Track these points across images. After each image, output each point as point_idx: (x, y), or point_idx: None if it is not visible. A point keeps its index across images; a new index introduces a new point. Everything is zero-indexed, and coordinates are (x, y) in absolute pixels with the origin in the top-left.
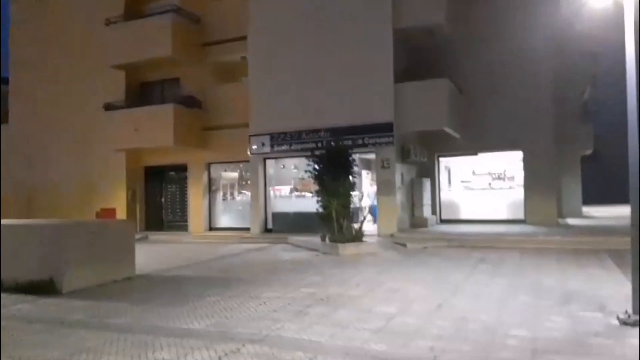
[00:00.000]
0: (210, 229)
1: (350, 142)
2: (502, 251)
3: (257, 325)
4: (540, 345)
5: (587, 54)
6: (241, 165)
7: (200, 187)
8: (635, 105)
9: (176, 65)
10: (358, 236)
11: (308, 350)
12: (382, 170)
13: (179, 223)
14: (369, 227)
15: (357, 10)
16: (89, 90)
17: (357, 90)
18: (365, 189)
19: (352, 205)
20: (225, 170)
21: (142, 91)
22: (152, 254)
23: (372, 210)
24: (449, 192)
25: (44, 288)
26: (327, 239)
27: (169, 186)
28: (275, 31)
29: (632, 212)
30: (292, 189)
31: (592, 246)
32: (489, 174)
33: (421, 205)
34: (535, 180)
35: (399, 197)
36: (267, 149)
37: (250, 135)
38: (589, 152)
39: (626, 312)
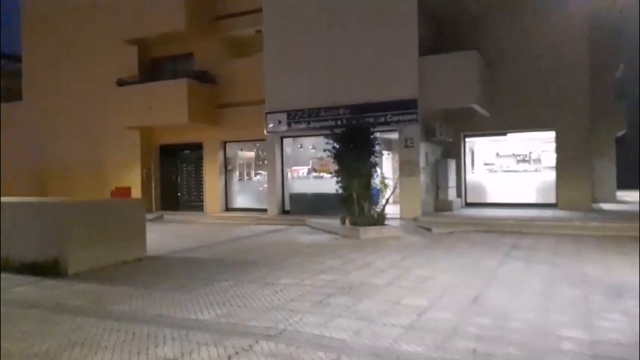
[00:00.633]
0: (227, 209)
1: (371, 120)
2: (535, 237)
3: (272, 317)
4: (602, 351)
5: (621, 30)
6: (257, 145)
7: (216, 166)
8: None
9: (190, 39)
10: (380, 219)
11: (330, 350)
12: (405, 150)
13: (195, 203)
14: (391, 209)
15: None
16: (102, 66)
17: (379, 65)
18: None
19: (373, 187)
20: (242, 150)
21: (155, 67)
22: (166, 234)
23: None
24: (474, 174)
25: (48, 269)
26: (347, 222)
27: (184, 165)
28: (291, 2)
29: None
30: (310, 169)
31: (634, 233)
32: (514, 155)
33: (446, 188)
34: (569, 162)
35: (423, 178)
36: (284, 127)
37: (266, 113)
38: (621, 133)
39: None
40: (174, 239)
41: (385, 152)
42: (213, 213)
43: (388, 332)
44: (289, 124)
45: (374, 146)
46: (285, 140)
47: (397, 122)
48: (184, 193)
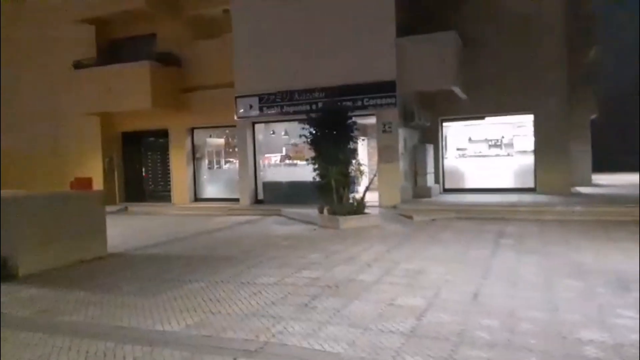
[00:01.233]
0: (196, 199)
1: (349, 104)
2: (519, 223)
3: (252, 326)
4: (631, 356)
5: (594, 15)
6: (227, 131)
7: (184, 154)
8: None
9: (152, 19)
10: (360, 208)
11: None
12: (383, 135)
13: (162, 193)
14: (368, 197)
15: None
16: (57, 48)
17: (356, 45)
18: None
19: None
20: (210, 136)
21: (114, 48)
22: (130, 227)
23: None
24: (450, 160)
25: None
26: (325, 211)
27: (149, 153)
28: None
29: None
30: (283, 156)
31: (616, 217)
32: (486, 140)
33: (424, 174)
34: (547, 146)
35: (402, 164)
36: (255, 111)
37: (236, 97)
38: (593, 116)
39: None
40: (138, 233)
41: (360, 138)
42: (181, 204)
43: (387, 342)
44: (260, 109)
45: (352, 131)
46: (257, 125)
47: (375, 105)
48: (150, 183)
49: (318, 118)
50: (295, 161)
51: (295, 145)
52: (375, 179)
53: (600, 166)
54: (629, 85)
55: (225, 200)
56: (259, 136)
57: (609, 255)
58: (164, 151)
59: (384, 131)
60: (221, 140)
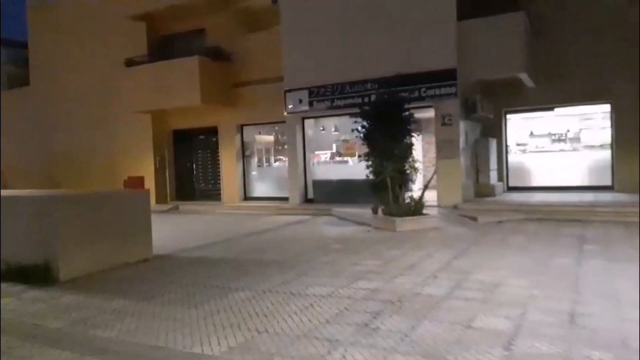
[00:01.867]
0: (245, 198)
1: (405, 95)
2: (600, 226)
3: (304, 352)
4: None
5: None
6: (277, 128)
7: (233, 152)
8: None
9: (201, 13)
10: (418, 208)
11: None
12: (442, 129)
13: (212, 192)
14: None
15: None
16: (109, 46)
17: (411, 32)
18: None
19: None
20: (260, 133)
21: (164, 44)
22: (180, 227)
23: None
24: (516, 155)
25: (38, 275)
26: (379, 211)
27: (199, 152)
28: None
29: None
30: (333, 153)
31: None
32: (550, 134)
33: (487, 171)
34: (628, 139)
35: (463, 160)
36: (305, 106)
37: (285, 91)
38: None
39: None
40: (187, 233)
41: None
42: (231, 203)
43: None
44: (310, 103)
45: (409, 124)
46: (306, 121)
47: (433, 96)
48: (200, 181)
49: (371, 110)
50: (346, 158)
51: (347, 141)
52: (434, 176)
53: None
54: None
55: (274, 199)
56: (309, 132)
57: None
58: (214, 149)
59: (444, 124)
60: (270, 137)
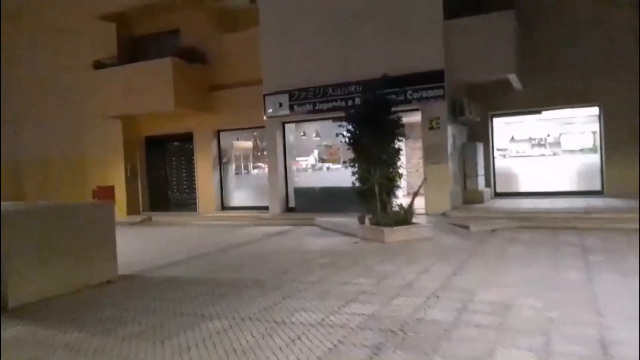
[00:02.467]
0: (223, 208)
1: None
2: (598, 234)
3: None
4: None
5: None
6: (255, 133)
7: (209, 159)
8: None
9: (174, 12)
10: (407, 217)
11: None
12: (430, 133)
13: (187, 201)
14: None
15: None
16: (77, 48)
17: (397, 32)
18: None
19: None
20: (238, 139)
21: (136, 47)
22: (152, 241)
23: None
24: (502, 160)
25: None
26: (366, 221)
27: (173, 159)
28: None
29: None
30: (316, 159)
31: None
32: (530, 139)
33: (475, 176)
34: (618, 142)
35: (451, 165)
36: (285, 110)
37: (264, 94)
38: None
39: None
40: (159, 247)
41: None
42: (207, 213)
43: None
44: (291, 107)
45: (397, 127)
46: (287, 126)
47: (420, 99)
48: (175, 191)
49: (357, 113)
50: (327, 164)
51: (329, 146)
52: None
53: None
54: None
55: (253, 208)
56: (290, 137)
57: None
58: (189, 156)
59: (431, 128)
60: (249, 143)
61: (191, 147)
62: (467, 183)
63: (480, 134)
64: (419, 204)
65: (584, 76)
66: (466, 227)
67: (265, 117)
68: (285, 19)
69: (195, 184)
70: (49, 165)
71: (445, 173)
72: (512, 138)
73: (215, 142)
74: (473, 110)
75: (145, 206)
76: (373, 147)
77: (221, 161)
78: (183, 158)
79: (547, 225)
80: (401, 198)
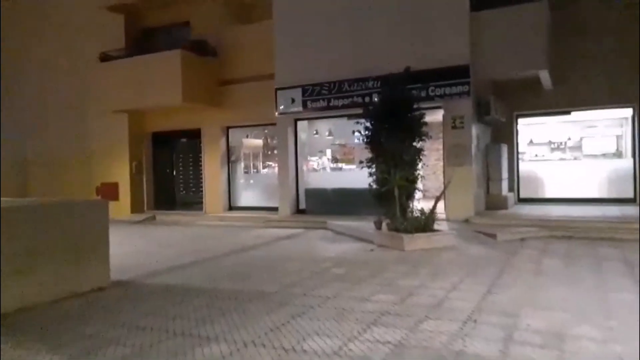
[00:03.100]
0: (230, 208)
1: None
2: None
3: None
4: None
5: None
6: (266, 131)
7: (217, 157)
8: None
9: (184, 3)
10: (428, 223)
11: None
12: (452, 132)
13: (193, 200)
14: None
15: None
16: (84, 41)
17: (418, 24)
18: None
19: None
20: (247, 136)
21: (145, 39)
22: (153, 241)
23: None
24: (526, 164)
25: None
26: (384, 226)
27: (181, 156)
28: None
29: None
30: (328, 159)
31: None
32: (549, 142)
33: (499, 180)
34: None
35: (475, 168)
36: (298, 106)
37: (276, 89)
38: None
39: None
40: (160, 249)
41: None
42: (214, 213)
43: None
44: (304, 103)
45: (420, 125)
46: (299, 123)
47: (443, 96)
48: (181, 189)
49: (376, 109)
50: (339, 165)
51: (344, 145)
52: (448, 186)
53: None
54: None
55: (262, 209)
56: (302, 135)
57: None
58: (197, 153)
59: (454, 127)
60: (259, 141)
61: (199, 143)
62: (490, 187)
63: (504, 135)
64: (439, 208)
65: (617, 75)
66: (493, 236)
67: (276, 114)
68: (300, 10)
69: (202, 183)
70: (53, 162)
71: (468, 176)
72: (531, 141)
73: (224, 139)
74: (499, 110)
75: (150, 204)
76: (393, 146)
77: (230, 159)
78: (190, 155)
79: (580, 235)
80: (417, 202)
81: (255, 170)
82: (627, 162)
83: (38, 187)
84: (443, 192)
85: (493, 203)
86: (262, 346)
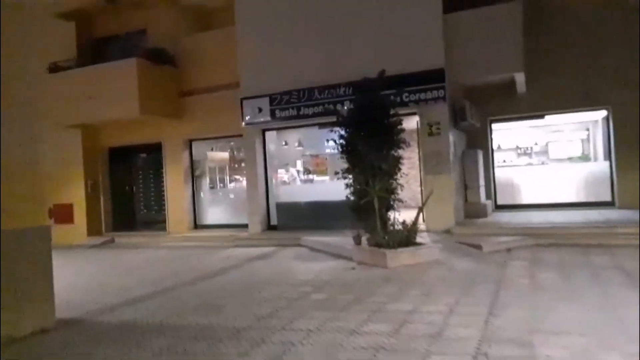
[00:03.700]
0: (196, 226)
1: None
2: (631, 252)
3: None
4: None
5: None
6: (232, 143)
7: (180, 172)
8: None
9: (140, 10)
10: (410, 236)
11: None
12: (429, 139)
13: (155, 220)
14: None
15: None
16: (30, 50)
17: (390, 27)
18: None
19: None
20: (212, 149)
21: (98, 48)
22: (111, 268)
23: None
24: (500, 170)
25: None
26: (363, 241)
27: (140, 172)
28: None
29: None
30: (299, 171)
31: None
32: (517, 148)
33: (477, 187)
34: (630, 149)
35: (453, 176)
36: (265, 116)
37: (242, 99)
38: None
39: None
40: (119, 277)
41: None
42: (178, 232)
43: None
44: (272, 112)
45: (398, 132)
46: (268, 134)
47: (417, 101)
48: (142, 208)
49: (351, 116)
50: (310, 177)
51: (316, 156)
52: (417, 195)
53: None
54: None
55: (231, 226)
56: (271, 147)
57: None
58: (158, 169)
59: (431, 133)
60: (225, 154)
61: (160, 159)
62: (467, 195)
63: (478, 141)
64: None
65: (591, 77)
66: (478, 247)
67: (243, 124)
68: (265, 15)
69: (164, 200)
70: (4, 183)
71: (447, 184)
72: (499, 147)
73: (186, 153)
74: (474, 115)
75: (108, 226)
76: (371, 155)
77: (194, 174)
78: (151, 171)
79: (567, 242)
80: (398, 213)
81: (221, 185)
82: (600, 165)
83: None
84: (425, 203)
85: (472, 211)
86: None
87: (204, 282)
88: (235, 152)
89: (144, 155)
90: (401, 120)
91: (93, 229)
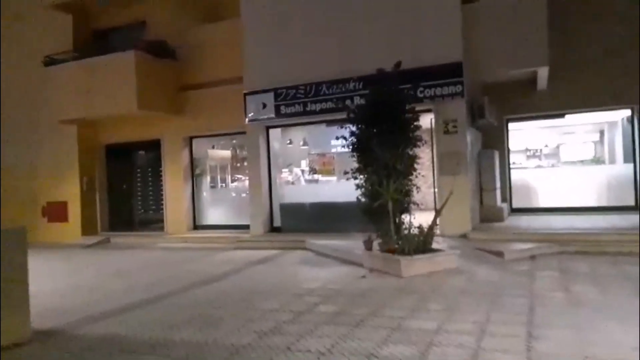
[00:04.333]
0: (195, 227)
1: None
2: None
3: None
4: None
5: None
6: (234, 140)
7: (180, 170)
8: None
9: (140, 2)
10: (427, 241)
11: None
12: (445, 138)
13: (153, 220)
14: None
15: None
16: (26, 43)
17: (404, 18)
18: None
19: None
20: (214, 147)
21: (96, 41)
22: (103, 270)
23: None
24: (516, 171)
25: None
26: (375, 246)
27: (138, 170)
28: None
29: None
30: (304, 170)
31: None
32: (526, 150)
33: (493, 189)
34: None
35: (470, 177)
36: (270, 112)
37: (245, 94)
38: None
39: None
40: (110, 281)
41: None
42: (177, 233)
43: None
44: (277, 109)
45: (414, 129)
46: (272, 131)
47: (433, 97)
48: (139, 207)
49: (364, 112)
50: (316, 177)
51: (322, 155)
52: (435, 197)
53: None
54: None
55: (232, 227)
56: (275, 145)
57: None
58: (157, 167)
59: (447, 132)
60: (227, 152)
61: (159, 156)
62: (483, 198)
63: (494, 141)
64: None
65: (616, 75)
66: (499, 254)
67: (246, 121)
68: (271, 6)
69: (163, 199)
70: (4, 181)
71: (464, 186)
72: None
73: (187, 150)
74: (493, 113)
75: (104, 225)
76: (386, 154)
77: (194, 173)
78: (149, 169)
79: (595, 249)
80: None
81: (222, 184)
82: (623, 168)
83: None
84: (444, 204)
85: (487, 215)
86: None
87: (201, 288)
88: (237, 150)
89: (142, 152)
90: (418, 116)
91: (88, 228)
